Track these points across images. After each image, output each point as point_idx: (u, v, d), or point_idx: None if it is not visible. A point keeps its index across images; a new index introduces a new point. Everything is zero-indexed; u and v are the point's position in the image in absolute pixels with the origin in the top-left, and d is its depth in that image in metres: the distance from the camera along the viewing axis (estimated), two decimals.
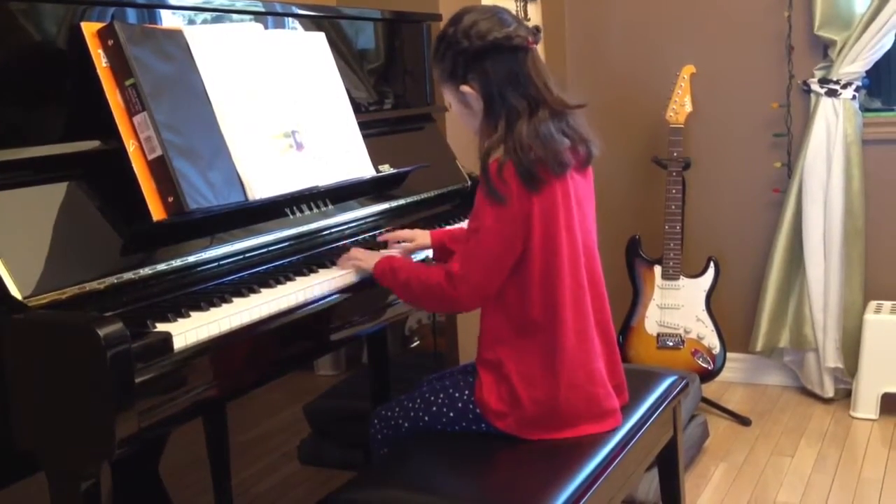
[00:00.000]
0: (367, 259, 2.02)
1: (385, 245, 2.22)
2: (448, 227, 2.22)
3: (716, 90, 3.66)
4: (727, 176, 3.74)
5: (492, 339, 1.92)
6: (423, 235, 2.22)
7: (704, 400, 3.43)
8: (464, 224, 2.44)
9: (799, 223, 3.51)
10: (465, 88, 1.90)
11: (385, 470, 1.91)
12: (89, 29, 1.79)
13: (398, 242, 2.22)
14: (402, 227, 2.33)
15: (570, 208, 1.88)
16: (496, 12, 1.92)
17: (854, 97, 3.42)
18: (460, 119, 1.98)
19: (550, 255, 1.85)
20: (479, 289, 1.88)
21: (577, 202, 1.91)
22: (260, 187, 1.98)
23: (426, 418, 1.99)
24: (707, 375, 3.43)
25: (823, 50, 3.51)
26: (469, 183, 2.77)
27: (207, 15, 2.11)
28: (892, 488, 2.90)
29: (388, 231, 2.28)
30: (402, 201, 2.47)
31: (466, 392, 1.95)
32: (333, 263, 2.04)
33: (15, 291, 1.51)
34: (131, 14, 1.93)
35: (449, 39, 1.91)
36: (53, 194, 1.68)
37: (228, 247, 1.92)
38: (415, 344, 2.95)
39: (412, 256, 2.19)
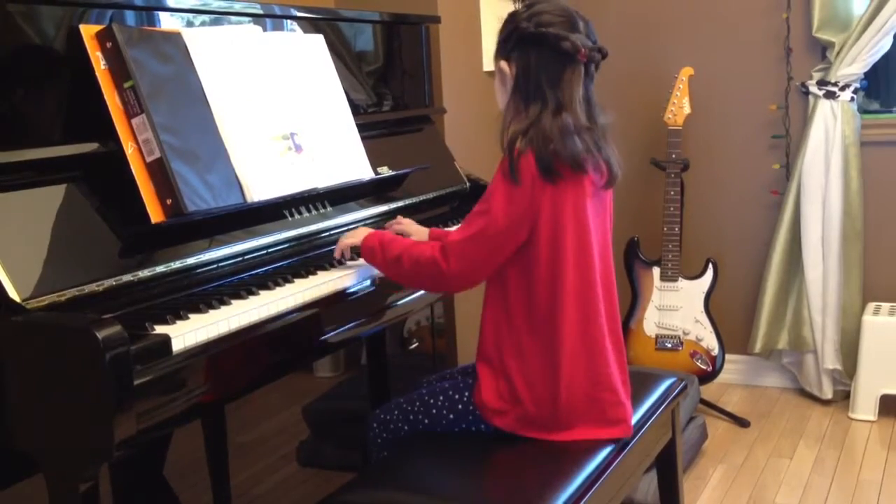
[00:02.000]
0: (357, 233, 2.02)
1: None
2: (447, 229, 2.20)
3: (714, 92, 3.67)
4: (726, 178, 3.74)
5: (493, 334, 1.92)
6: (419, 233, 2.20)
7: (703, 401, 3.43)
8: None
9: (797, 225, 3.51)
10: (503, 65, 1.91)
11: (384, 471, 1.91)
12: (88, 31, 1.79)
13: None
14: None
15: (584, 208, 1.87)
16: (571, 14, 1.91)
17: (852, 99, 3.42)
18: (495, 88, 1.98)
19: (556, 251, 1.85)
20: (473, 267, 1.87)
21: (594, 208, 1.90)
22: (259, 189, 1.98)
23: (426, 421, 2.00)
24: (706, 377, 3.43)
25: (822, 52, 3.51)
26: (467, 184, 2.77)
27: (206, 17, 2.11)
28: (891, 490, 2.90)
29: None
30: (400, 203, 2.47)
31: (466, 394, 1.96)
32: (332, 265, 2.04)
33: (13, 293, 1.51)
34: (130, 16, 1.92)
35: (515, 14, 1.93)
36: (52, 196, 1.68)
37: (227, 249, 1.92)
38: (414, 346, 2.95)
39: None
